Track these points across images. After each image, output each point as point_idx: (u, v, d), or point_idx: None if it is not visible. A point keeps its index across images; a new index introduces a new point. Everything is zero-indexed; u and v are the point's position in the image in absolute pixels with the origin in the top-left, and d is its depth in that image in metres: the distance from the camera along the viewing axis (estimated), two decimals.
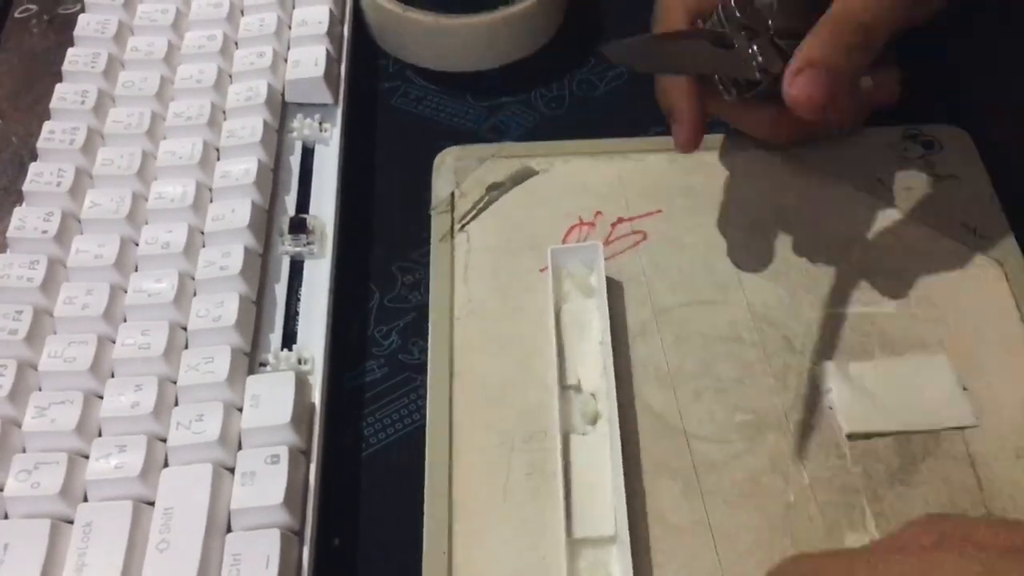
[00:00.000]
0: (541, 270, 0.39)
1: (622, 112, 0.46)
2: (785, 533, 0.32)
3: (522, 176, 0.42)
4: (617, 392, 0.34)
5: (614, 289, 0.38)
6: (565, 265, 0.38)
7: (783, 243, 0.40)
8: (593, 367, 0.36)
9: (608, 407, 0.34)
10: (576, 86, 0.48)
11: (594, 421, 0.35)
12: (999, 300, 0.38)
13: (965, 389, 0.36)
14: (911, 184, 0.41)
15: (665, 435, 0.35)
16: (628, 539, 0.31)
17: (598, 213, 0.41)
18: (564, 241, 0.40)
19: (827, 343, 0.37)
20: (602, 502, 0.33)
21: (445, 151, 0.43)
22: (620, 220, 0.41)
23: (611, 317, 0.36)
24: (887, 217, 0.40)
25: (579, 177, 0.42)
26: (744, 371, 0.36)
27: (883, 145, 0.43)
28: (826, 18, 0.34)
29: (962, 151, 0.43)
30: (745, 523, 0.33)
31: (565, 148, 0.44)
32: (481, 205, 0.41)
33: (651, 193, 0.42)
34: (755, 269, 0.39)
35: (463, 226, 0.41)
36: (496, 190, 0.42)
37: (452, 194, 0.42)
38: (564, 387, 0.35)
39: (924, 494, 0.33)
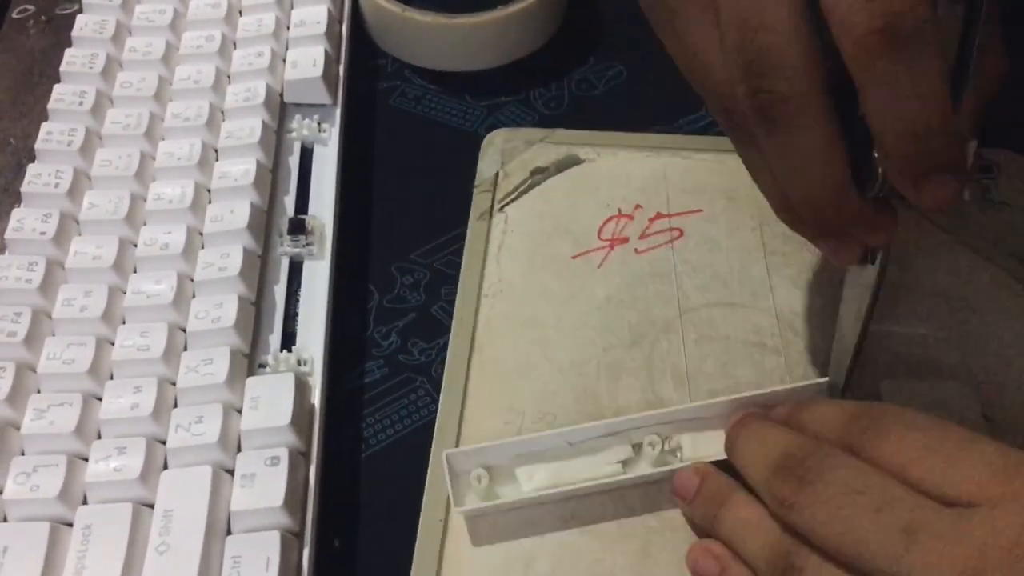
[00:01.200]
0: (573, 257, 0.39)
1: (621, 112, 0.46)
2: None
3: (567, 163, 0.42)
4: (631, 383, 0.35)
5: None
6: None
7: (820, 254, 0.39)
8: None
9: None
10: (575, 86, 0.48)
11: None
12: None
13: (987, 420, 0.35)
14: (962, 207, 0.40)
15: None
16: None
17: (637, 206, 0.41)
18: (599, 231, 0.40)
19: (852, 359, 0.36)
20: None
21: (495, 132, 0.44)
22: (659, 215, 0.41)
23: (636, 311, 0.37)
24: (932, 238, 0.39)
25: (623, 169, 0.42)
26: (763, 377, 0.36)
27: None
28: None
29: (1019, 178, 0.41)
30: None
31: (614, 139, 0.44)
32: (523, 188, 0.41)
33: (694, 192, 0.41)
34: (788, 277, 0.39)
35: (503, 207, 0.41)
36: (540, 174, 0.42)
37: (496, 174, 0.42)
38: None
39: None
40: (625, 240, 0.40)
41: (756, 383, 0.36)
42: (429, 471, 0.34)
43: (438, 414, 0.35)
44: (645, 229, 0.40)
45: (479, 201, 0.41)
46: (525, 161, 0.42)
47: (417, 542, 0.33)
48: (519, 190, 0.41)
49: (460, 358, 0.37)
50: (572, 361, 0.36)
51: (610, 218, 0.40)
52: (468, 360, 0.37)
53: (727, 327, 0.37)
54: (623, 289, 0.39)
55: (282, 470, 0.32)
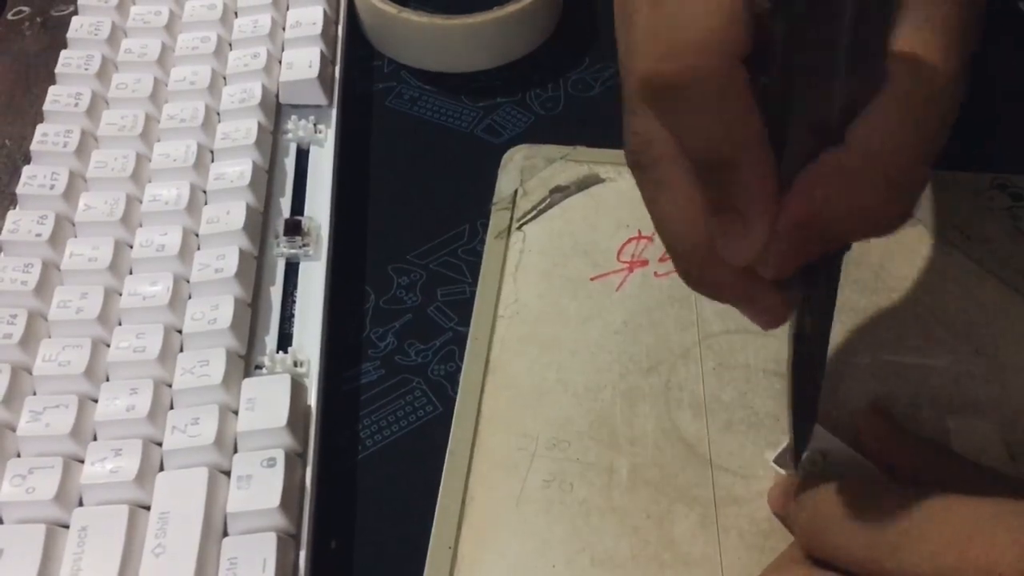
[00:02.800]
0: (592, 279, 0.39)
1: (617, 112, 0.46)
2: None
3: (588, 182, 0.42)
4: (647, 410, 0.35)
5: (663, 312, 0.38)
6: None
7: (844, 280, 0.38)
8: None
9: None
10: (571, 86, 0.48)
11: None
12: None
13: (1012, 457, 0.34)
14: (991, 235, 0.39)
15: (690, 463, 0.34)
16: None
17: None
18: (618, 253, 0.39)
19: (874, 390, 0.35)
20: None
21: (514, 149, 0.43)
22: None
23: (654, 337, 0.37)
24: (959, 267, 0.38)
25: None
26: (782, 407, 0.35)
27: (969, 192, 0.41)
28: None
29: None
30: (757, 562, 0.31)
31: None
32: (542, 207, 0.41)
33: None
34: None
35: (521, 225, 0.40)
36: (559, 193, 0.41)
37: (515, 192, 0.41)
38: None
39: None
40: (644, 263, 0.39)
41: (774, 414, 0.35)
42: (440, 497, 0.33)
43: (451, 436, 0.35)
44: (665, 252, 0.39)
45: (497, 219, 0.41)
46: (545, 179, 0.42)
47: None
48: (538, 208, 0.41)
49: (475, 379, 0.36)
50: (587, 386, 0.36)
51: (630, 239, 0.40)
52: (483, 381, 0.36)
53: (746, 355, 0.36)
54: (641, 313, 0.38)
55: (278, 471, 0.32)
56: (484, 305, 0.38)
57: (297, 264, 0.39)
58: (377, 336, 0.39)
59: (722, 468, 0.34)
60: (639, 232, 0.40)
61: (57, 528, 0.31)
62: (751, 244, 0.23)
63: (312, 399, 0.35)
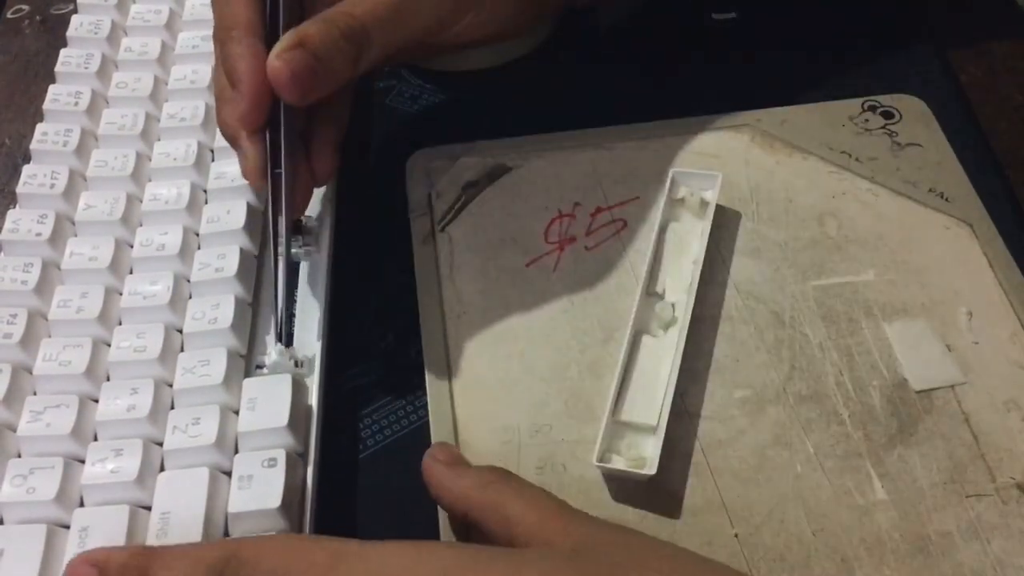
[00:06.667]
0: (527, 265, 0.39)
1: (617, 111, 0.46)
2: (798, 503, 0.33)
3: (497, 173, 0.42)
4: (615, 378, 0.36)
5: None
6: (686, 184, 0.40)
7: (760, 220, 0.40)
8: (681, 281, 0.38)
9: (683, 316, 0.36)
10: (570, 86, 0.47)
11: (667, 327, 0.37)
12: (972, 260, 0.39)
13: (950, 348, 0.36)
14: (876, 154, 0.43)
15: (670, 418, 0.35)
16: (664, 431, 0.33)
17: (576, 204, 0.41)
18: (545, 235, 0.40)
19: (814, 314, 0.37)
20: (653, 397, 0.35)
21: (416, 153, 0.43)
22: (599, 210, 0.41)
23: (601, 307, 0.38)
24: (857, 187, 0.41)
25: (553, 170, 0.43)
26: (738, 348, 0.37)
27: (845, 118, 0.44)
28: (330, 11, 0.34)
29: (920, 119, 0.44)
30: (757, 497, 0.33)
31: (536, 143, 0.44)
32: (458, 205, 0.41)
33: (626, 181, 0.42)
34: (737, 249, 0.40)
35: (443, 227, 0.41)
36: (472, 189, 0.42)
37: (429, 196, 0.42)
38: (649, 293, 0.37)
39: (924, 452, 0.34)
40: (573, 240, 0.40)
41: (733, 356, 0.36)
42: (440, 509, 0.33)
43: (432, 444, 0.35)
44: (589, 225, 0.41)
45: (419, 226, 0.41)
46: (454, 178, 0.42)
47: None
48: (455, 208, 0.41)
49: (441, 386, 0.36)
50: (552, 368, 0.36)
51: (552, 220, 0.41)
52: (449, 386, 0.36)
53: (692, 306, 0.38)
54: (583, 288, 0.39)
55: (279, 471, 0.32)
56: (429, 312, 0.38)
57: (298, 263, 0.39)
58: (378, 336, 0.39)
59: (699, 416, 0.35)
60: (559, 211, 0.41)
61: (58, 528, 0.31)
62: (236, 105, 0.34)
63: (313, 399, 0.35)
